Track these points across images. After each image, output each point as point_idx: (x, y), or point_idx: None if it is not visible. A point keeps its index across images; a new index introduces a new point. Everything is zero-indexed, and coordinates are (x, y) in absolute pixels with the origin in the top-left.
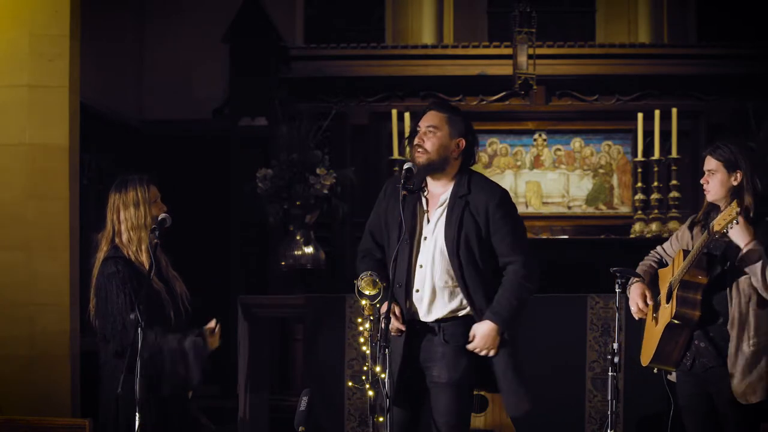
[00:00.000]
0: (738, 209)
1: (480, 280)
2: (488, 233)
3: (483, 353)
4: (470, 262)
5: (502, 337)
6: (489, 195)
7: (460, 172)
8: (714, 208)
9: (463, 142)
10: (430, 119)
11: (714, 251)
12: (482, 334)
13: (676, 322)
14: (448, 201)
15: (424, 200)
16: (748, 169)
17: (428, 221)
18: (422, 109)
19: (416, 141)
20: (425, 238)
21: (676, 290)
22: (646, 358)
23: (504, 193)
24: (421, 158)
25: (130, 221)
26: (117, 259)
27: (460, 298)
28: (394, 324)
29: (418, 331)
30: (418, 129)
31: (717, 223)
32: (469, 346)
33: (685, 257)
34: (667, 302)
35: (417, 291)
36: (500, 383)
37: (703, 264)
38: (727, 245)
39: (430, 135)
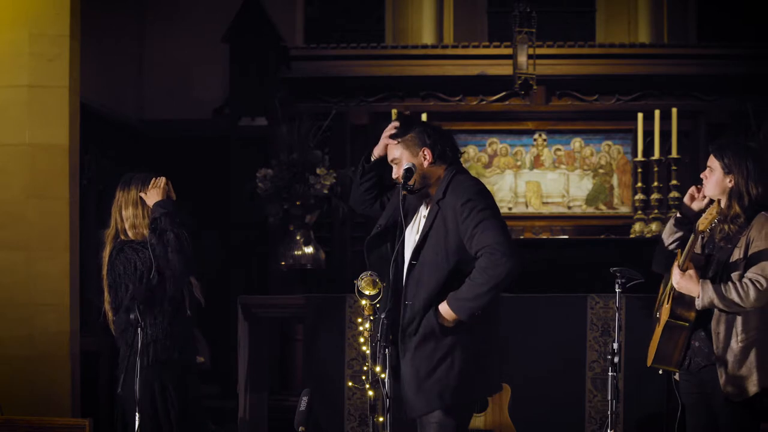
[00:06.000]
0: (718, 208)
1: (432, 283)
2: (459, 238)
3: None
4: (429, 265)
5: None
6: (456, 197)
7: (446, 173)
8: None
9: (427, 151)
10: (391, 153)
11: (712, 252)
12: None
13: (672, 321)
14: (429, 205)
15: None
16: (743, 176)
17: (413, 223)
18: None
19: (394, 176)
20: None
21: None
22: (649, 358)
23: (473, 190)
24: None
25: (130, 220)
26: (131, 243)
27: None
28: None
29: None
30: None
31: (701, 223)
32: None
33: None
34: (668, 302)
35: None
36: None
37: (701, 264)
38: (722, 246)
39: (397, 167)
